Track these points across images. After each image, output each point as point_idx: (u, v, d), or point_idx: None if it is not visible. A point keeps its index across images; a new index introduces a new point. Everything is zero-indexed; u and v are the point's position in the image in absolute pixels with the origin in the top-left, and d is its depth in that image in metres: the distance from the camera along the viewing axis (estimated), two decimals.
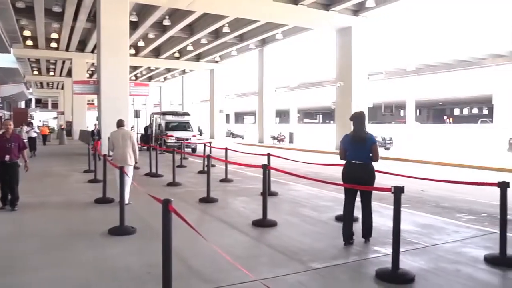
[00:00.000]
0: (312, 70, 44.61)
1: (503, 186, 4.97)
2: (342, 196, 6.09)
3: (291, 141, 33.06)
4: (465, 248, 5.61)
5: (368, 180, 5.57)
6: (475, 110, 63.61)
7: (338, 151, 6.31)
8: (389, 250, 4.68)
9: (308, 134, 42.84)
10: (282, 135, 32.59)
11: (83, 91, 21.43)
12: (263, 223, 6.72)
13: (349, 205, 5.72)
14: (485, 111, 58.66)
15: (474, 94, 46.44)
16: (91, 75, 45.29)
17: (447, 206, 8.82)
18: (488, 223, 7.12)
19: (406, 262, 4.90)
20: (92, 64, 37.60)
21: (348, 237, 5.68)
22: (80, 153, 20.29)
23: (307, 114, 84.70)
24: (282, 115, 74.72)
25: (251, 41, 30.92)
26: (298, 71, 46.33)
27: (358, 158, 5.63)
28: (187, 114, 26.42)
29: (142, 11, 24.80)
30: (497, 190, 5.08)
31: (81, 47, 33.40)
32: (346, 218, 5.74)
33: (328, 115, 72.66)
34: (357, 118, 5.81)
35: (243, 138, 42.90)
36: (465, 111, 65.66)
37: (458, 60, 35.14)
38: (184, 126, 24.39)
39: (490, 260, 5.03)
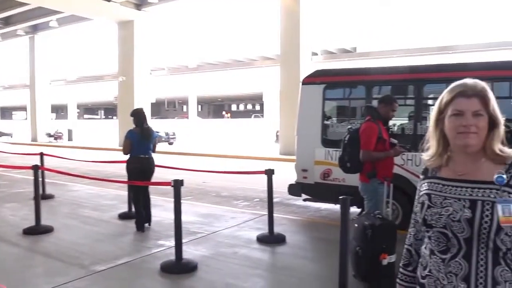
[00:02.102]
0: (92, 63, 42.12)
1: (269, 173, 5.65)
2: (125, 193, 5.97)
3: (70, 138, 30.76)
4: (241, 231, 6.15)
5: (152, 172, 6.26)
6: (249, 106, 70.37)
7: (122, 148, 6.32)
8: (173, 242, 4.77)
9: (89, 130, 40.50)
10: (60, 132, 30.03)
11: None
12: (36, 230, 6.03)
13: (138, 196, 6.16)
14: (258, 107, 65.38)
15: (248, 91, 51.24)
16: None
17: (226, 195, 9.55)
18: (260, 207, 7.98)
19: (190, 252, 5.08)
20: None
21: (143, 225, 6.13)
22: None
23: (88, 110, 79.79)
24: (60, 111, 68.72)
25: (19, 26, 27.37)
26: (77, 64, 43.10)
27: (145, 153, 6.14)
28: None
29: None
30: (265, 177, 5.73)
31: None
32: (139, 208, 6.14)
33: (110, 110, 69.91)
34: (140, 114, 6.25)
35: (11, 137, 37.77)
36: (241, 107, 72.02)
37: (234, 60, 38.15)
38: None
39: (261, 240, 5.64)
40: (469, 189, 1.47)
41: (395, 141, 4.86)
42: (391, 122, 5.47)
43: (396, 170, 5.19)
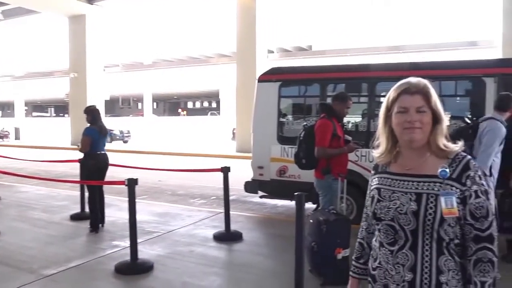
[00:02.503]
0: (42, 58, 40.42)
1: (225, 170, 5.64)
2: (77, 193, 5.79)
3: (17, 137, 29.42)
4: (197, 230, 6.11)
5: (107, 169, 6.29)
6: (206, 104, 69.93)
7: (74, 146, 6.28)
8: (128, 243, 4.67)
9: (38, 129, 38.89)
10: (6, 131, 28.66)
11: None
12: None
13: (95, 196, 6.09)
14: (214, 105, 65.10)
15: (205, 89, 50.93)
16: None
17: (183, 194, 9.45)
18: (216, 205, 7.95)
19: (145, 252, 5.00)
20: None
21: (98, 226, 6.03)
22: None
23: (37, 107, 76.55)
24: (6, 108, 65.64)
25: None
26: (25, 59, 41.23)
27: (103, 149, 6.26)
28: None
29: None
30: (222, 175, 5.70)
31: None
32: (96, 208, 6.05)
33: (61, 108, 67.42)
34: (95, 111, 6.29)
35: None
36: (197, 104, 71.45)
37: (190, 57, 37.80)
38: None
39: (218, 237, 5.63)
40: (415, 183, 1.55)
41: (349, 138, 4.97)
42: (345, 119, 5.59)
43: (350, 166, 5.31)
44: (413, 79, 1.58)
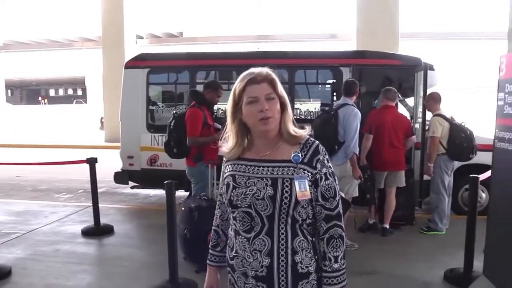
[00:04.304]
0: None
1: (92, 162, 5.35)
2: None
3: None
4: (63, 226, 5.72)
5: None
6: (70, 91, 65.09)
7: None
8: None
9: None
10: None
11: None
12: None
13: None
14: (80, 92, 60.92)
15: (69, 75, 47.35)
16: None
17: (45, 189, 8.73)
18: (84, 199, 7.50)
19: (1, 256, 4.55)
20: None
21: None
22: None
23: None
24: None
25: None
26: None
27: None
28: None
29: None
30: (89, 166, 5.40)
31: None
32: None
33: None
34: None
35: None
36: (61, 92, 66.16)
37: (51, 40, 34.69)
38: None
39: (86, 233, 5.36)
40: (270, 168, 1.59)
41: (219, 126, 5.05)
42: (215, 107, 5.67)
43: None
44: (255, 69, 1.61)
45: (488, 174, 3.83)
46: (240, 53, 7.35)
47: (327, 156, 1.64)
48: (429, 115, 5.58)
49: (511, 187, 3.07)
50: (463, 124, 5.28)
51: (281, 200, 1.53)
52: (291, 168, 1.57)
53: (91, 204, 5.53)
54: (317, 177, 1.59)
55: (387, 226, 5.26)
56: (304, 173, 1.57)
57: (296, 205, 1.55)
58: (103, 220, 5.55)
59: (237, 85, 1.60)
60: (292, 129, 1.61)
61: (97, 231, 5.37)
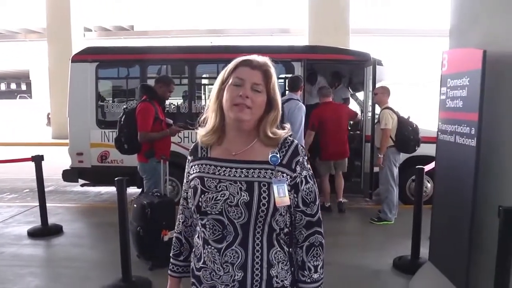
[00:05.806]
0: None
1: (38, 159, 5.13)
2: None
3: None
4: (8, 228, 5.46)
5: None
6: (14, 86, 62.11)
7: None
8: None
9: None
10: None
11: None
12: None
13: None
14: (24, 87, 58.26)
15: (12, 68, 45.09)
16: None
17: None
18: (31, 198, 7.18)
19: None
20: None
21: None
22: None
23: None
24: None
25: None
26: None
27: None
28: None
29: None
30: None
31: None
32: None
33: None
34: None
35: None
36: (3, 87, 63.00)
37: None
38: None
39: (33, 234, 5.14)
40: (244, 170, 1.40)
41: (170, 121, 4.99)
42: (167, 102, 5.58)
43: (174, 148, 5.35)
44: (257, 57, 1.46)
45: (432, 165, 4.00)
46: (192, 47, 7.26)
47: (306, 157, 1.49)
48: (377, 109, 5.77)
49: (453, 177, 3.21)
50: (408, 118, 5.51)
51: (258, 207, 1.35)
52: (269, 170, 1.40)
53: (38, 204, 5.31)
54: (297, 181, 1.43)
55: (342, 200, 6.05)
56: (283, 176, 1.40)
57: (275, 212, 1.37)
58: (52, 220, 5.36)
59: (231, 64, 1.45)
60: (271, 131, 1.44)
61: (45, 231, 5.16)
